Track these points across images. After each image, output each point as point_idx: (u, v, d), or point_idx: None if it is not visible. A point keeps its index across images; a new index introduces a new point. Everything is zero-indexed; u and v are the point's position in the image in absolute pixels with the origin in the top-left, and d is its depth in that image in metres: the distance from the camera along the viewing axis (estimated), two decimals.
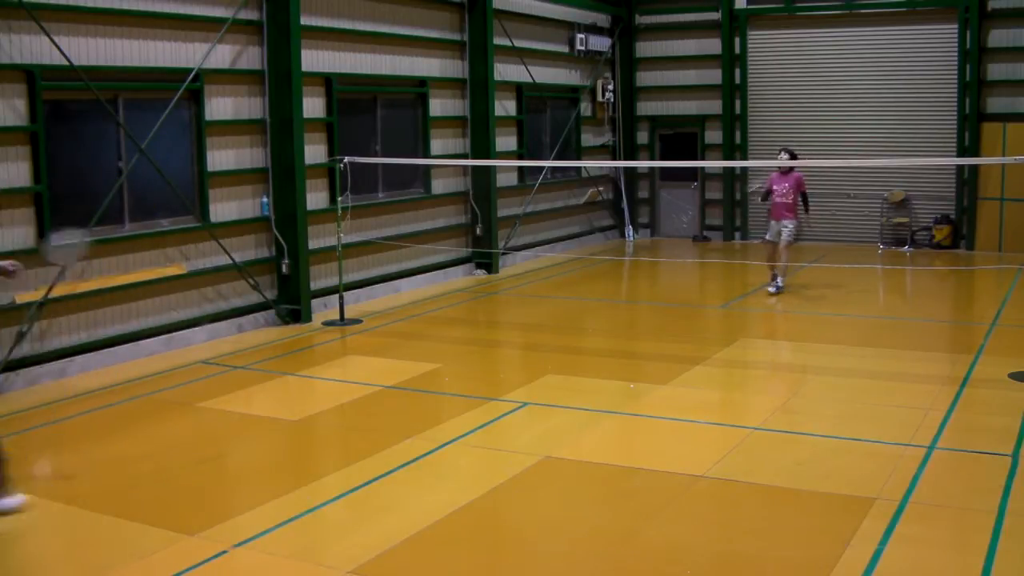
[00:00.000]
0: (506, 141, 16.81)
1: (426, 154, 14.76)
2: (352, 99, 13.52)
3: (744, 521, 6.18)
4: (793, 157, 13.40)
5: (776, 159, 13.30)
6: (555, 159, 17.78)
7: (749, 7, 18.87)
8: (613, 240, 19.88)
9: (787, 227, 13.32)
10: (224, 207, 11.48)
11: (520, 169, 17.15)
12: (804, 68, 18.58)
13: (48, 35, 9.36)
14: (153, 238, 10.67)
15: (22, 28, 9.25)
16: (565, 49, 18.44)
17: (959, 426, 7.82)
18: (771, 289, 13.50)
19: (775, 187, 13.41)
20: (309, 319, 12.12)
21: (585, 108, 19.24)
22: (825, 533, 5.83)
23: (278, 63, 11.75)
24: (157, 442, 7.93)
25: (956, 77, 17.27)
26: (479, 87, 15.54)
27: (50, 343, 9.65)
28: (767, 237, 13.78)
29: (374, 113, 13.99)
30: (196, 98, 11.05)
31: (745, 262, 16.81)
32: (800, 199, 13.40)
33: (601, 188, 19.74)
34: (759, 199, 14.18)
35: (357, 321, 12.14)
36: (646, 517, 6.20)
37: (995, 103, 17.11)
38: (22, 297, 9.33)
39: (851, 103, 18.10)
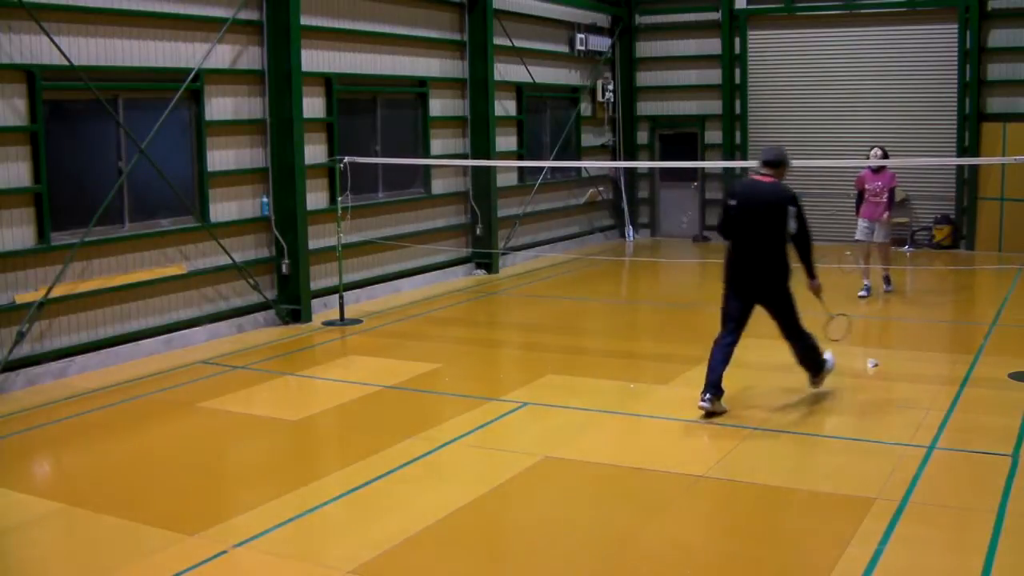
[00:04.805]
0: (506, 141, 16.81)
1: (426, 154, 14.75)
2: (352, 99, 13.52)
3: (744, 521, 6.18)
4: (886, 155, 13.14)
5: (868, 157, 13.10)
6: (555, 159, 17.77)
7: (749, 7, 18.86)
8: (613, 240, 19.87)
9: (883, 226, 13.12)
10: (224, 207, 11.48)
11: (520, 169, 17.15)
12: (804, 68, 18.57)
13: (48, 35, 9.35)
14: (153, 238, 10.67)
15: (22, 28, 9.25)
16: (565, 49, 18.43)
17: (959, 426, 7.81)
18: (887, 287, 13.51)
19: (868, 186, 13.11)
20: (309, 319, 12.12)
21: (585, 108, 19.23)
22: (825, 533, 5.83)
23: (278, 63, 11.75)
24: (157, 442, 7.93)
25: (956, 77, 17.26)
26: (479, 87, 15.54)
27: (50, 343, 9.65)
28: (858, 237, 13.41)
29: (374, 113, 13.99)
30: (196, 98, 11.04)
31: None
32: (889, 196, 13.18)
33: (601, 188, 19.73)
34: (856, 206, 13.57)
35: (357, 321, 12.14)
36: (646, 517, 6.20)
37: (995, 103, 17.11)
38: (22, 297, 9.34)
39: (851, 103, 18.09)
